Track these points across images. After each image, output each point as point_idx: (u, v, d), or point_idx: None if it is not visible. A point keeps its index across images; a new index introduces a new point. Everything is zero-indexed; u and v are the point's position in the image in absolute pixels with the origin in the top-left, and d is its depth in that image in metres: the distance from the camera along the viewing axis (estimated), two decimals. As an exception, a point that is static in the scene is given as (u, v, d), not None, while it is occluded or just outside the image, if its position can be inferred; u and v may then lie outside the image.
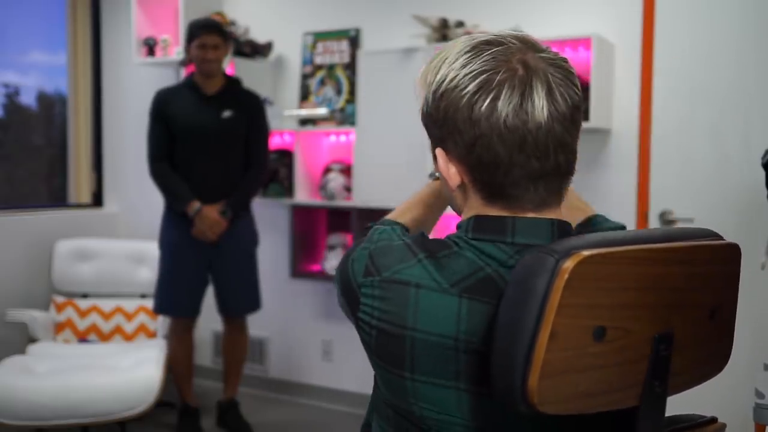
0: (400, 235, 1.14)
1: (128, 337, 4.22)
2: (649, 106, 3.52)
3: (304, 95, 4.40)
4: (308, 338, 4.52)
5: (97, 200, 5.08)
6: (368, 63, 3.97)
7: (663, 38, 3.49)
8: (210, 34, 3.73)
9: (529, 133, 0.99)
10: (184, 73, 4.27)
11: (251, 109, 3.87)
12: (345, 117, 4.22)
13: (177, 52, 4.43)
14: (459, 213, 1.13)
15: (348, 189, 4.09)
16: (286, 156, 4.31)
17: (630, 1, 3.54)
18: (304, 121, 4.29)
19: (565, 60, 1.05)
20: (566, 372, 0.90)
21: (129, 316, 4.27)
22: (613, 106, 3.58)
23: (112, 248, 4.46)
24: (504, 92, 0.99)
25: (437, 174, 1.22)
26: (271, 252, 4.47)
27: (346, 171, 4.12)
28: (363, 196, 3.96)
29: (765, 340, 3.25)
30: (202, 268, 3.85)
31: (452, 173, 1.07)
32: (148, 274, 4.36)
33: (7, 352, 3.82)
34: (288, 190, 4.27)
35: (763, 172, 2.79)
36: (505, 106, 0.99)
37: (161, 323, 4.14)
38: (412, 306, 1.01)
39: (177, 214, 3.78)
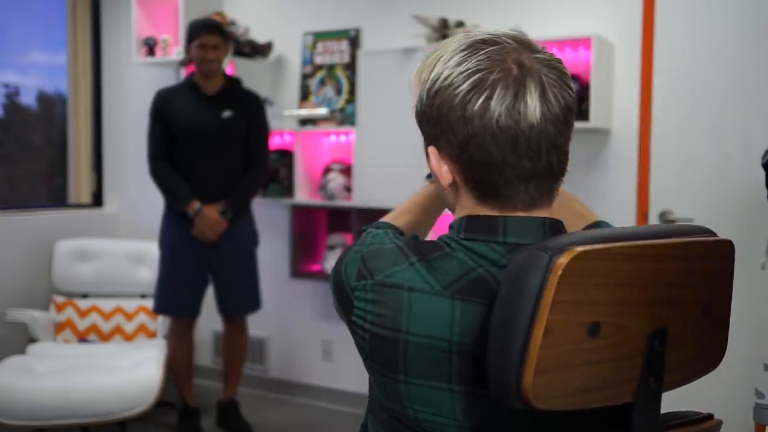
0: (393, 237, 1.14)
1: (128, 337, 4.22)
2: (649, 106, 3.51)
3: (304, 95, 4.40)
4: (308, 338, 4.52)
5: (97, 200, 5.08)
6: (368, 63, 3.97)
7: (663, 38, 3.48)
8: (210, 34, 3.73)
9: (522, 133, 1.00)
10: (184, 73, 4.27)
11: (251, 109, 3.87)
12: (345, 117, 4.22)
13: (177, 52, 4.43)
14: (452, 211, 1.13)
15: (348, 189, 4.09)
16: (286, 156, 4.31)
17: (630, 1, 3.54)
18: (304, 121, 4.30)
19: (559, 61, 1.05)
20: (561, 368, 0.90)
21: (129, 316, 4.27)
22: (613, 106, 3.58)
23: (112, 248, 4.46)
24: (497, 92, 0.99)
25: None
26: (271, 252, 4.47)
27: (346, 171, 4.12)
28: (363, 196, 3.96)
29: (764, 340, 3.24)
30: (202, 268, 3.85)
31: (444, 172, 1.07)
32: (148, 274, 4.36)
33: (7, 352, 3.82)
34: (288, 190, 4.27)
35: (763, 172, 2.79)
36: (498, 105, 0.99)
37: (161, 323, 4.14)
38: (405, 309, 1.01)
39: (177, 214, 3.78)
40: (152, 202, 4.34)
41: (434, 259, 1.04)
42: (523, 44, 1.04)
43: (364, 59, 3.99)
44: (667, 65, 3.47)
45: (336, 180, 4.11)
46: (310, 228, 4.40)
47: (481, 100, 1.00)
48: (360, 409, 4.03)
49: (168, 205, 3.85)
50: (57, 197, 5.06)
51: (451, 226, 1.10)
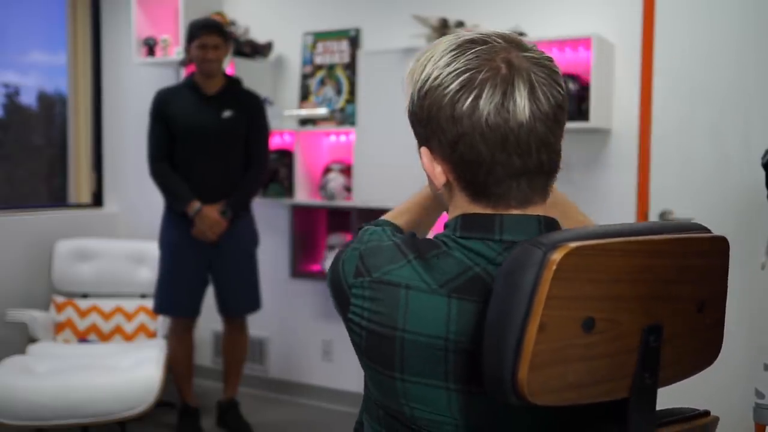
0: (390, 235, 1.14)
1: (128, 337, 4.22)
2: (649, 106, 3.51)
3: (304, 95, 4.40)
4: (308, 338, 4.52)
5: (97, 200, 5.09)
6: (368, 63, 3.97)
7: (663, 38, 3.48)
8: (210, 34, 3.74)
9: (511, 131, 1.00)
10: (184, 73, 4.27)
11: (251, 109, 3.87)
12: (345, 117, 4.23)
13: (177, 52, 4.43)
14: (447, 211, 1.13)
15: (348, 189, 4.09)
16: (286, 156, 4.31)
17: (630, 1, 3.54)
18: (304, 121, 4.30)
19: (550, 59, 1.05)
20: (556, 363, 0.90)
21: (129, 316, 4.27)
22: (613, 106, 3.58)
23: (112, 248, 4.46)
24: (486, 91, 0.99)
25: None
26: (271, 252, 4.47)
27: (346, 171, 4.12)
28: (363, 196, 3.96)
29: (764, 340, 3.24)
30: (202, 268, 3.85)
31: (438, 172, 1.07)
32: (148, 274, 4.36)
33: (7, 352, 3.82)
34: (288, 190, 4.27)
35: (763, 172, 2.79)
36: (486, 104, 0.99)
37: (161, 323, 4.14)
38: (402, 307, 1.01)
39: (177, 214, 3.78)
40: (152, 202, 4.35)
41: (431, 257, 1.04)
42: (513, 43, 1.04)
43: (364, 59, 3.99)
44: (667, 65, 3.47)
45: (336, 180, 4.11)
46: (310, 228, 4.40)
47: (469, 100, 1.00)
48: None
49: (168, 205, 3.86)
50: (57, 197, 5.06)
51: (446, 225, 1.10)
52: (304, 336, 4.54)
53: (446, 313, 1.00)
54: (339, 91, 4.28)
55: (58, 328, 4.18)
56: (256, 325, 4.40)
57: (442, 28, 3.73)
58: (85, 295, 4.38)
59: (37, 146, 5.14)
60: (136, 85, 4.90)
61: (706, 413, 1.06)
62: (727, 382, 3.18)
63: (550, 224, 1.06)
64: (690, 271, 0.99)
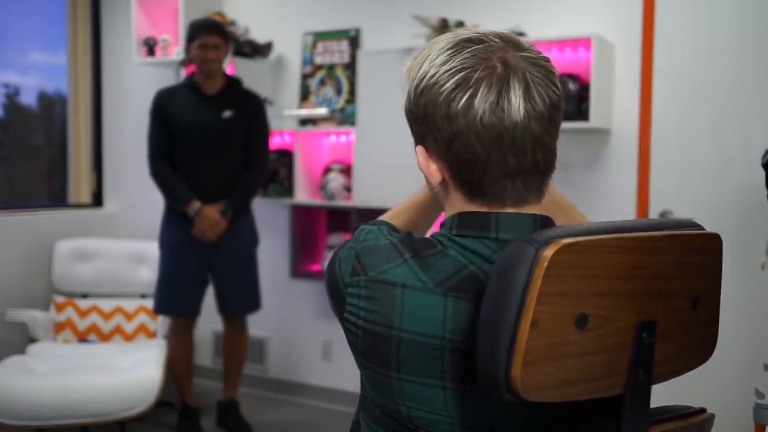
0: (387, 234, 1.14)
1: (128, 337, 4.23)
2: (649, 106, 3.51)
3: (304, 95, 4.40)
4: (308, 338, 4.52)
5: (97, 200, 5.09)
6: (368, 63, 3.97)
7: (663, 38, 3.48)
8: (210, 34, 3.74)
9: (506, 131, 1.00)
10: (184, 73, 4.28)
11: (251, 109, 3.87)
12: (345, 117, 4.23)
13: (177, 52, 4.43)
14: (443, 210, 1.13)
15: (348, 189, 4.09)
16: (286, 156, 4.32)
17: (630, 1, 3.53)
18: (304, 121, 4.30)
19: (546, 59, 1.05)
20: (549, 360, 0.90)
21: (129, 316, 4.27)
22: (613, 106, 3.57)
23: (112, 248, 4.47)
24: (481, 90, 0.99)
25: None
26: (271, 252, 4.47)
27: (346, 171, 4.12)
28: (363, 196, 3.96)
29: (764, 340, 3.24)
30: (202, 268, 3.85)
31: (433, 171, 1.08)
32: (148, 274, 4.36)
33: (7, 352, 3.82)
34: (288, 190, 4.27)
35: (763, 172, 2.79)
36: (481, 103, 0.99)
37: (161, 323, 4.14)
38: (398, 306, 1.01)
39: (177, 214, 3.78)
40: (152, 202, 4.35)
41: (427, 256, 1.04)
42: (510, 43, 1.04)
43: (364, 59, 3.99)
44: (667, 65, 3.47)
45: (336, 180, 4.11)
46: (310, 228, 4.40)
47: (465, 99, 1.00)
48: (360, 410, 4.02)
49: (168, 205, 3.86)
50: (57, 197, 5.07)
51: (442, 224, 1.10)
52: (304, 336, 4.54)
53: (442, 312, 0.99)
54: (339, 91, 4.28)
55: (58, 328, 4.19)
56: (256, 325, 4.40)
57: (442, 28, 3.73)
58: (85, 295, 4.38)
59: (37, 146, 5.15)
60: (136, 85, 4.90)
61: (702, 411, 1.06)
62: (727, 381, 3.18)
63: (545, 223, 1.06)
64: (683, 267, 0.99)
